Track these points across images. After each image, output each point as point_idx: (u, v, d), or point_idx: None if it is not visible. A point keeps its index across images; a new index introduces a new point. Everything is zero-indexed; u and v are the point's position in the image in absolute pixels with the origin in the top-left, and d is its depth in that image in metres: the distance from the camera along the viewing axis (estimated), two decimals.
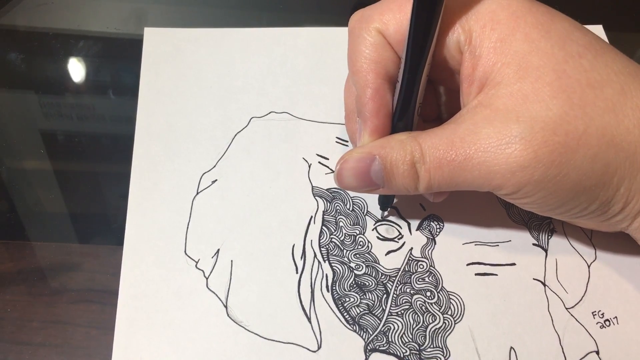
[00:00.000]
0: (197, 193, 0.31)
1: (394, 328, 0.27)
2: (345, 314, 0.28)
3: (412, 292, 0.28)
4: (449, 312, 0.28)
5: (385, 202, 0.30)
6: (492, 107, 0.24)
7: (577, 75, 0.23)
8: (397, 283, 0.28)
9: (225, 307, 0.27)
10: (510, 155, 0.23)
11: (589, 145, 0.23)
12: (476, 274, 0.29)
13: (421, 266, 0.29)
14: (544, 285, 0.29)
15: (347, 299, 0.28)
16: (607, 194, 0.24)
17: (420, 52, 0.24)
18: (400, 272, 0.29)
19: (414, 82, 0.25)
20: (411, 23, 0.24)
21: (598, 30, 0.37)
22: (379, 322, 0.27)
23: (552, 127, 0.23)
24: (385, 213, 0.30)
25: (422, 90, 0.26)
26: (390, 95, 0.26)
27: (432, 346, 0.27)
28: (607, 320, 0.28)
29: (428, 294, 0.28)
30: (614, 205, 0.25)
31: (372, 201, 0.30)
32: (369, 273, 0.29)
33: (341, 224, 0.30)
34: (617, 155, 0.23)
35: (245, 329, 0.27)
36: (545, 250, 0.30)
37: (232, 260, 0.29)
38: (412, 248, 0.29)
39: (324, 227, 0.30)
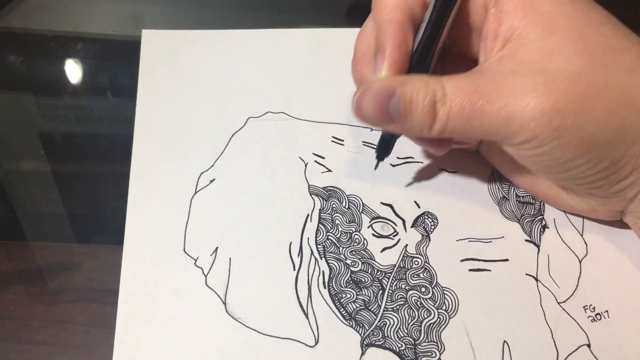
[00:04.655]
0: (196, 192, 0.31)
1: (390, 323, 0.28)
2: (341, 309, 0.28)
3: (407, 288, 0.29)
4: (444, 307, 0.28)
5: (383, 151, 0.29)
6: (517, 59, 0.25)
7: (599, 39, 0.24)
8: (392, 279, 0.29)
9: (224, 303, 0.28)
10: (531, 101, 0.23)
11: (608, 99, 0.24)
12: (470, 270, 0.29)
13: (416, 262, 0.29)
14: (537, 280, 0.29)
15: (344, 295, 0.28)
16: (619, 152, 0.24)
17: None
18: (395, 268, 0.29)
19: (440, 23, 0.26)
20: None
21: None
22: (375, 317, 0.28)
23: (574, 79, 0.24)
24: (380, 164, 0.30)
25: (444, 36, 0.26)
26: (412, 36, 0.27)
27: (427, 340, 0.27)
28: (598, 314, 0.28)
29: (423, 289, 0.29)
30: (625, 166, 0.25)
31: (367, 198, 0.31)
32: (364, 269, 0.29)
33: (337, 221, 0.30)
34: (632, 114, 0.24)
35: (244, 325, 0.27)
36: (538, 246, 0.30)
37: (230, 258, 0.29)
38: (407, 245, 0.30)
39: (320, 225, 0.30)
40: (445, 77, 0.25)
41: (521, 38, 0.25)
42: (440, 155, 0.29)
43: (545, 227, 0.31)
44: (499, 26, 0.26)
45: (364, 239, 0.30)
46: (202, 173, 0.32)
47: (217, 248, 0.29)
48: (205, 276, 0.29)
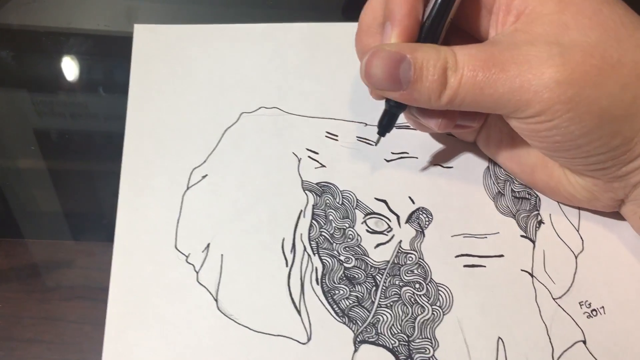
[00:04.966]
0: (188, 188, 0.31)
1: (383, 320, 0.27)
2: (334, 306, 0.28)
3: (401, 284, 0.28)
4: (438, 304, 0.28)
5: (385, 126, 0.29)
6: (531, 32, 0.25)
7: (613, 16, 0.25)
8: (386, 275, 0.29)
9: (216, 300, 0.28)
10: (546, 70, 0.23)
11: (622, 73, 0.24)
12: (465, 266, 0.29)
13: (410, 258, 0.29)
14: (532, 276, 0.29)
15: (337, 292, 0.28)
16: (632, 129, 0.24)
17: None
18: (389, 264, 0.29)
19: None
20: None
21: None
22: (368, 314, 0.28)
23: (589, 51, 0.24)
24: (381, 140, 0.30)
25: (454, 8, 0.26)
26: (422, 5, 0.26)
27: (420, 337, 0.27)
28: (594, 310, 0.28)
29: (417, 285, 0.28)
30: (636, 146, 0.25)
31: (361, 194, 0.31)
32: (358, 266, 0.29)
33: (331, 217, 0.30)
34: None
35: (236, 322, 0.27)
36: (533, 242, 0.30)
37: (222, 255, 0.29)
38: (401, 241, 0.29)
39: (313, 221, 0.30)
40: (457, 46, 0.25)
41: (535, 12, 0.25)
42: (443, 132, 0.28)
43: (540, 222, 0.30)
44: (512, 0, 0.26)
45: (358, 234, 0.30)
46: (195, 169, 0.31)
47: (209, 244, 0.29)
48: (197, 273, 0.28)
